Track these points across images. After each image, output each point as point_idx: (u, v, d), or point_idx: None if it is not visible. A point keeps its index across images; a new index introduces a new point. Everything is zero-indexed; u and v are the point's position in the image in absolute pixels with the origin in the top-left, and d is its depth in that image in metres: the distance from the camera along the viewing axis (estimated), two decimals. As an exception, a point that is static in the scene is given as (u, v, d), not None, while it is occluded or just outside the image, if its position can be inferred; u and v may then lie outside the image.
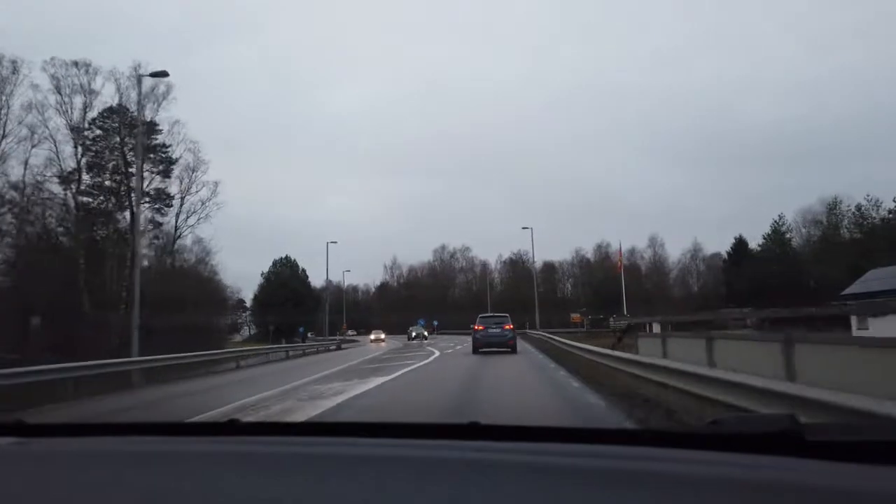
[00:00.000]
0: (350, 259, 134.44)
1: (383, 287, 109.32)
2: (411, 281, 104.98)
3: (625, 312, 44.71)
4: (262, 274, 77.54)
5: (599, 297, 65.81)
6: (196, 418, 7.10)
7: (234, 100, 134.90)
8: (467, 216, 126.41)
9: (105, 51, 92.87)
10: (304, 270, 77.79)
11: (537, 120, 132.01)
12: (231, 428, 1.55)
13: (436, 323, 70.25)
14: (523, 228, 57.51)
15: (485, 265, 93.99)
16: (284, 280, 73.59)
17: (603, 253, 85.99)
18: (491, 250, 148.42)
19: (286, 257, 76.73)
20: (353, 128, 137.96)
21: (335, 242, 59.38)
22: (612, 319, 43.40)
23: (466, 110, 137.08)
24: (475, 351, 25.11)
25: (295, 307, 65.72)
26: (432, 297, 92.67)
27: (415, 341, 49.89)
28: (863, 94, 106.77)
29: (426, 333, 55.81)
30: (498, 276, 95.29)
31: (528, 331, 45.68)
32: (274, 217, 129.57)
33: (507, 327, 25.78)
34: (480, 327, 26.00)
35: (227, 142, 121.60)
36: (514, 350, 24.97)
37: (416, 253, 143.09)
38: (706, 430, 1.26)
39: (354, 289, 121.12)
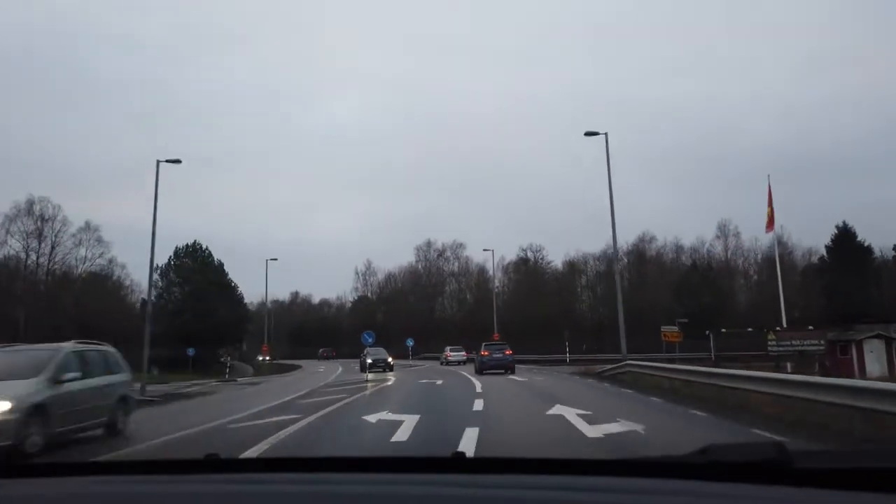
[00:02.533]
0: (330, 272, 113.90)
1: (361, 301, 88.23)
2: (390, 291, 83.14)
3: (783, 324, 22.95)
4: (158, 269, 52.35)
5: (692, 303, 42.06)
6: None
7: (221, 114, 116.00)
8: (460, 220, 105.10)
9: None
10: (220, 263, 51.50)
11: (537, 123, 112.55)
12: (209, 465, 1.50)
13: (410, 343, 46.69)
14: (586, 134, 27.14)
15: (482, 269, 69.92)
16: (187, 274, 47.02)
17: (646, 247, 64.35)
18: (488, 254, 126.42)
19: (195, 243, 49.82)
20: (335, 137, 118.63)
21: (178, 161, 26.58)
22: (771, 337, 21.45)
23: (464, 113, 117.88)
24: (480, 372, 29.04)
25: (201, 317, 42.40)
26: (415, 310, 71.32)
27: (371, 374, 28.24)
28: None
29: (390, 360, 33.57)
30: (500, 285, 71.86)
31: (629, 362, 22.63)
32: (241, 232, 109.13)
33: (508, 352, 30.52)
34: (486, 353, 30.48)
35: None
36: (511, 371, 28.81)
37: (400, 257, 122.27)
38: (695, 460, 1.22)
39: (328, 304, 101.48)
